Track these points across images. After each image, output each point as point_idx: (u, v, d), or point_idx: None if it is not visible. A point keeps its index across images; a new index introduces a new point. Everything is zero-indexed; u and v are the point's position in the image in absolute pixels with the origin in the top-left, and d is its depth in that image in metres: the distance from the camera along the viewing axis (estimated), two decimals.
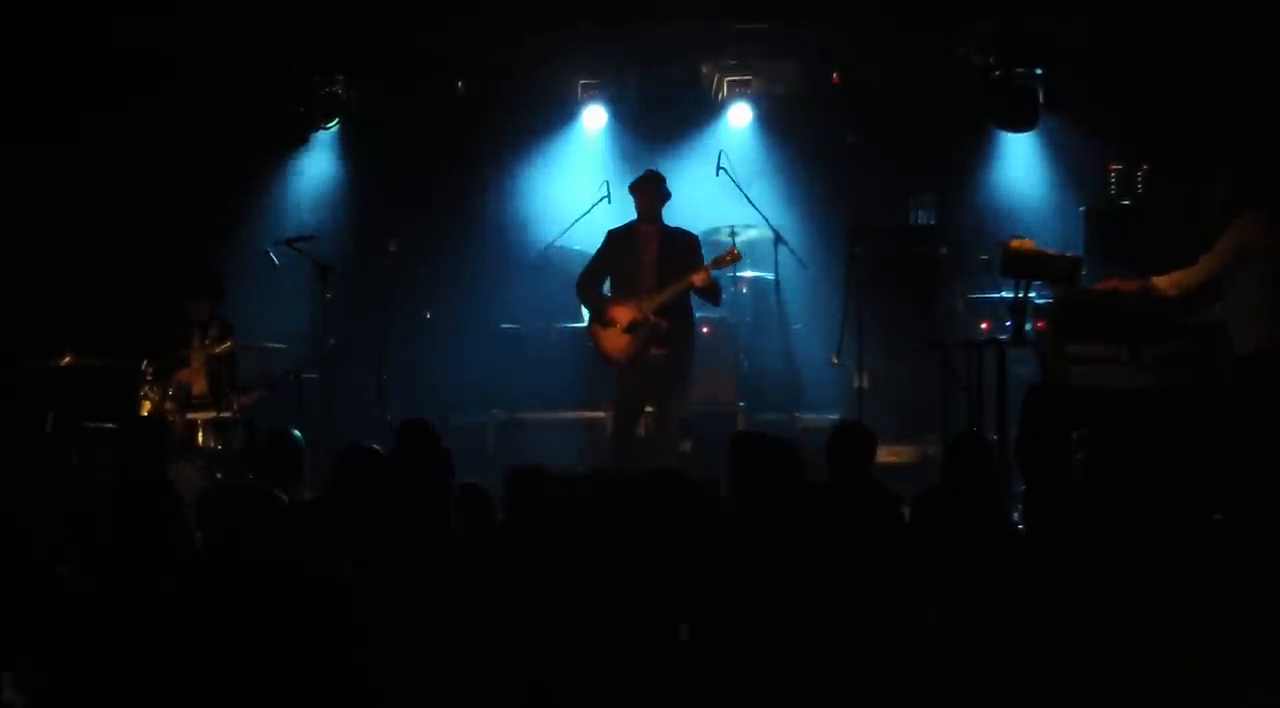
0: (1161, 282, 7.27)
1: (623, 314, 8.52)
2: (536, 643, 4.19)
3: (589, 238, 9.26)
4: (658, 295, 8.45)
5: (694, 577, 4.40)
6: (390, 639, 4.07)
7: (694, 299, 8.68)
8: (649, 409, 8.71)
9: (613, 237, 8.80)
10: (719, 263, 8.58)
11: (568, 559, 4.55)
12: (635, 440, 8.67)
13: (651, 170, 8.88)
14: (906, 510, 5.25)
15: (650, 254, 8.59)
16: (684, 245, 8.62)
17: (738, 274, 10.12)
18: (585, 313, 8.98)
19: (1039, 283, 8.04)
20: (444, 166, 10.67)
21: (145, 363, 8.40)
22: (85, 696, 3.90)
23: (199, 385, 8.60)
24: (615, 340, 8.55)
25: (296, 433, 6.36)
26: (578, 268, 8.98)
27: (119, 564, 4.34)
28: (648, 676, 4.10)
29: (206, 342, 8.62)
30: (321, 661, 3.92)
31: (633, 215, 8.82)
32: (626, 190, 8.83)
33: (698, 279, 8.40)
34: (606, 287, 8.75)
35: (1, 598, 4.12)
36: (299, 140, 10.65)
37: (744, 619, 4.27)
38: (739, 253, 8.75)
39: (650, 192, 8.66)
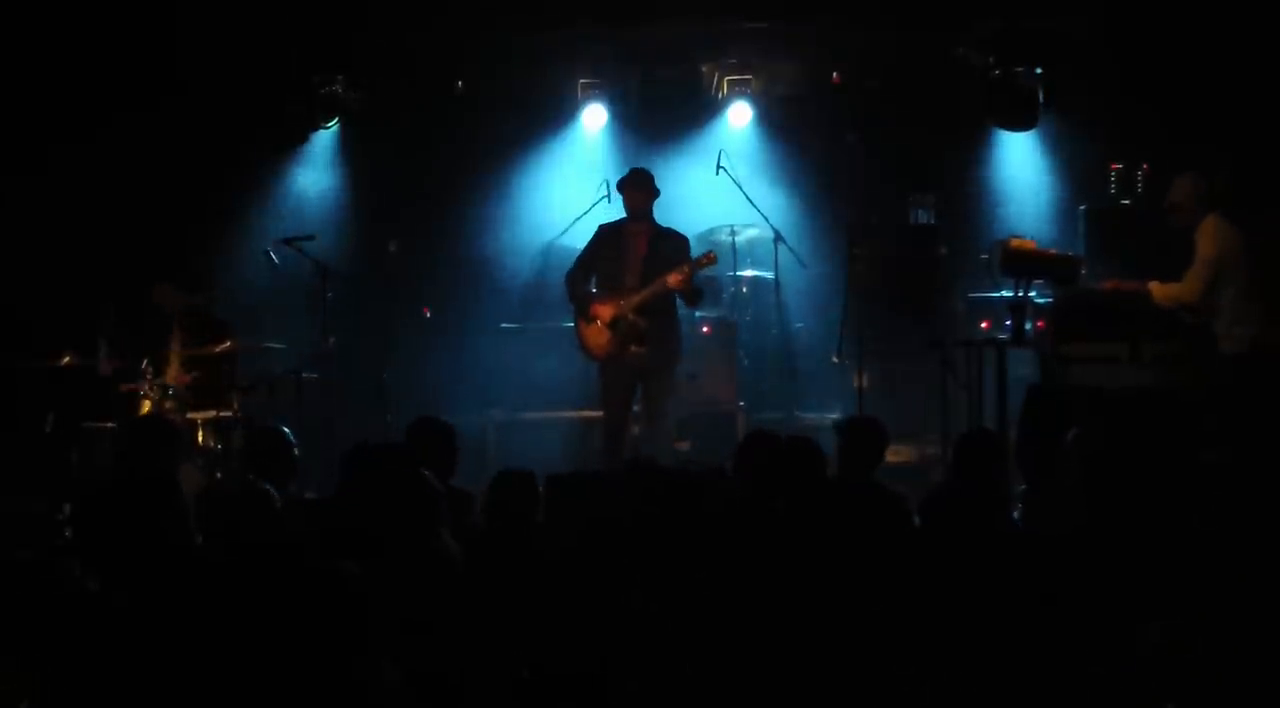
0: (1157, 291, 7.34)
1: (604, 311, 8.55)
2: (542, 642, 4.19)
3: (589, 235, 9.25)
4: (637, 294, 8.47)
5: (699, 575, 4.39)
6: (393, 640, 4.07)
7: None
8: (637, 407, 8.72)
9: (602, 231, 8.83)
10: (696, 265, 8.57)
11: (587, 558, 4.56)
12: (626, 438, 8.68)
13: (637, 168, 8.88)
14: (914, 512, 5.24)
15: (637, 251, 8.60)
16: (672, 245, 8.62)
17: (738, 274, 10.12)
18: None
19: (1039, 283, 8.05)
20: (444, 167, 10.67)
21: (145, 363, 8.39)
22: (86, 696, 3.90)
23: (180, 382, 8.53)
24: (596, 337, 8.58)
25: (285, 430, 6.37)
26: None
27: (120, 564, 4.34)
28: (652, 674, 4.10)
29: (190, 342, 8.59)
30: (322, 661, 3.91)
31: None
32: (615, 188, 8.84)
33: (672, 281, 8.40)
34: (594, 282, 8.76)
35: (2, 598, 4.12)
36: (299, 140, 10.65)
37: (748, 619, 4.27)
38: (715, 256, 8.73)
39: (635, 189, 8.66)
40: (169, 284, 8.75)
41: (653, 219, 8.68)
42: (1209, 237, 7.24)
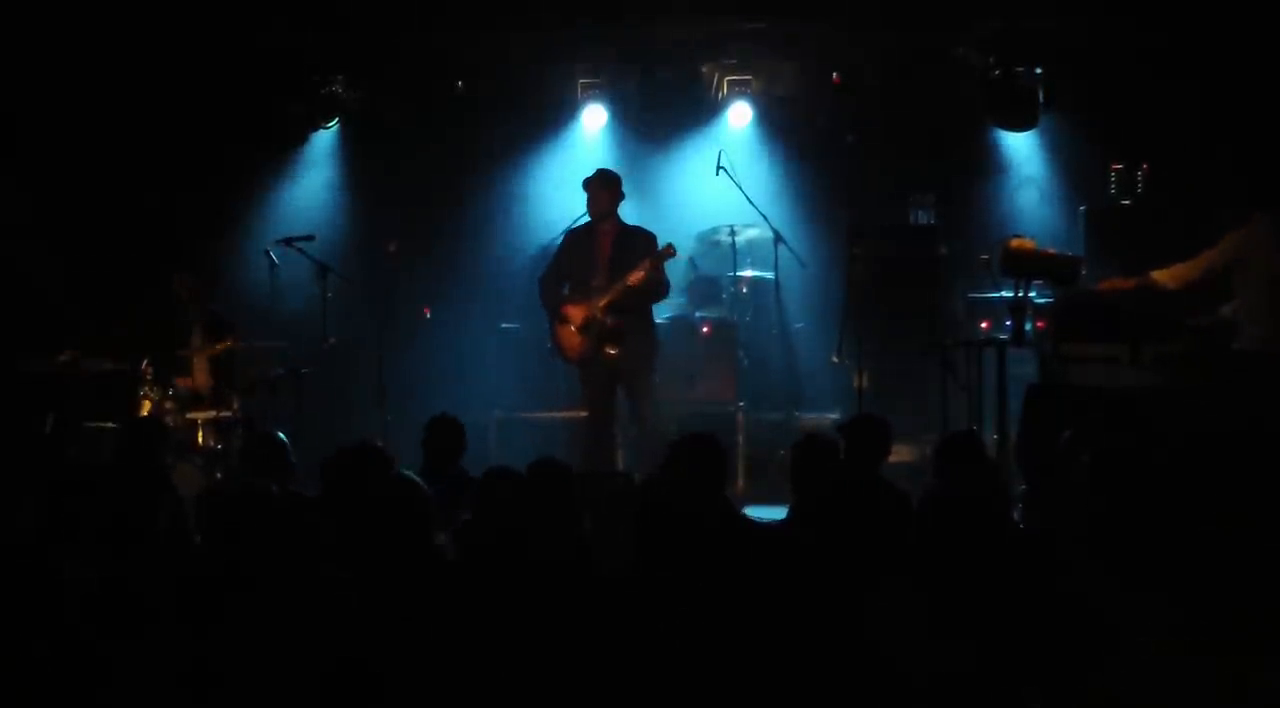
0: (1161, 275, 7.35)
1: (575, 313, 8.57)
2: (535, 645, 4.19)
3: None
4: (606, 294, 8.48)
5: (697, 581, 4.39)
6: (389, 639, 4.08)
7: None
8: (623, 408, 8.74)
9: (570, 235, 8.86)
10: (656, 259, 8.57)
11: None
12: (609, 439, 8.69)
13: (602, 169, 8.91)
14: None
15: (603, 252, 8.63)
16: (638, 243, 8.63)
17: (738, 274, 10.12)
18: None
19: (1039, 283, 8.04)
20: (444, 167, 10.68)
21: (145, 363, 8.40)
22: (85, 693, 3.90)
23: (200, 383, 8.59)
24: (570, 339, 8.62)
25: (281, 435, 6.40)
26: None
27: (119, 562, 4.34)
28: (651, 681, 4.09)
29: (209, 341, 8.62)
30: (320, 661, 3.92)
31: (629, 215, 8.85)
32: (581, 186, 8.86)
33: (633, 279, 8.44)
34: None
35: (2, 596, 4.13)
36: (299, 140, 10.66)
37: (749, 623, 4.26)
38: (674, 249, 8.72)
39: (598, 190, 8.67)
40: (190, 274, 8.76)
41: (618, 219, 8.70)
42: (1241, 229, 7.24)
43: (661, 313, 9.14)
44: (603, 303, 8.49)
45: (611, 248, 8.61)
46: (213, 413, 8.42)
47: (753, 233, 10.13)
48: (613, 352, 8.49)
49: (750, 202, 9.59)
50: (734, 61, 10.69)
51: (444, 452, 6.48)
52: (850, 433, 6.02)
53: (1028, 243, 7.85)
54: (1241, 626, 4.18)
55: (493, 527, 4.91)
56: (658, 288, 8.62)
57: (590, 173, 8.86)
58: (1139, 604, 4.29)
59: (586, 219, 8.82)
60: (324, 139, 10.76)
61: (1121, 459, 5.09)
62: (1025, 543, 4.90)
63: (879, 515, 4.51)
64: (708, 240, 10.05)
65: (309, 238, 9.17)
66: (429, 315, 10.48)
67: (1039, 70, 10.03)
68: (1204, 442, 6.39)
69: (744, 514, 5.67)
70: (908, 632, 4.13)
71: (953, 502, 4.53)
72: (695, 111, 10.77)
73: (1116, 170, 9.72)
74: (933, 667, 4.05)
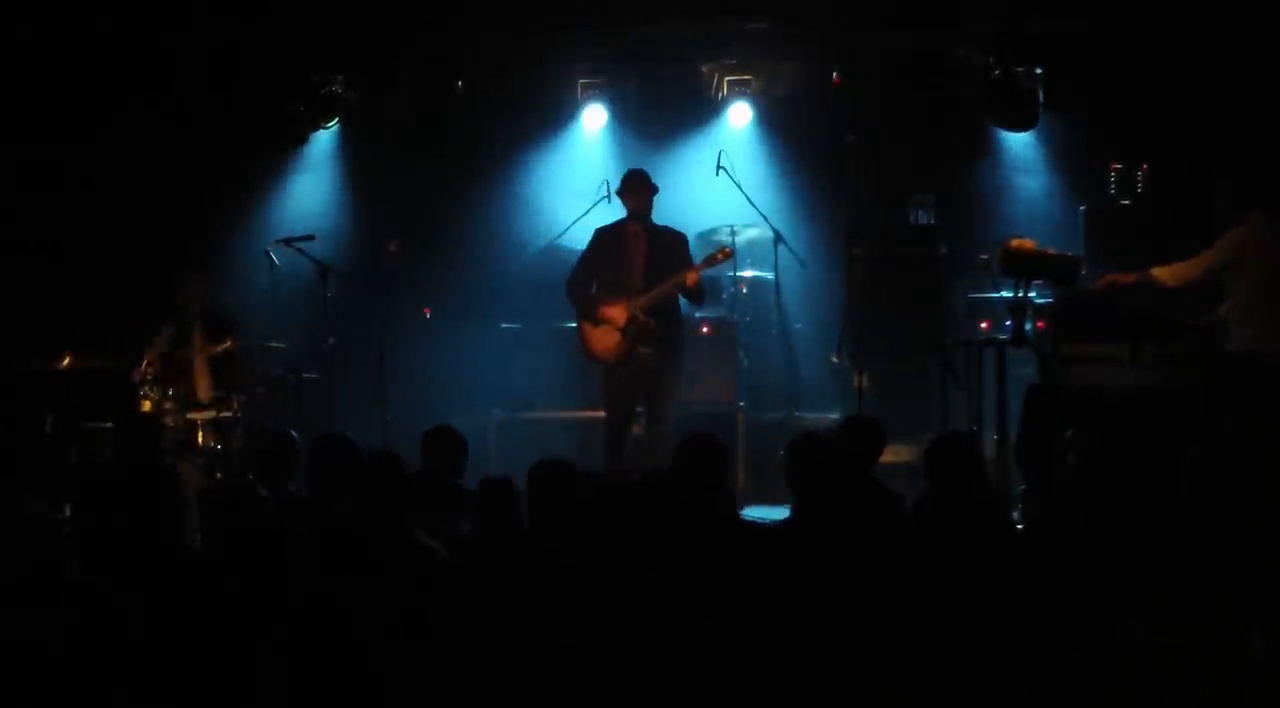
0: (1161, 273, 7.35)
1: (614, 314, 8.53)
2: (539, 645, 4.19)
3: (588, 237, 9.28)
4: (647, 294, 8.47)
5: (695, 581, 4.39)
6: (387, 640, 4.08)
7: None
8: (640, 408, 8.71)
9: (601, 235, 8.82)
10: (710, 262, 8.60)
11: (583, 559, 4.55)
12: (628, 440, 8.68)
13: (636, 169, 8.89)
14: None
15: (639, 252, 8.61)
16: (672, 244, 8.64)
17: (738, 274, 10.12)
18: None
19: (1039, 283, 8.05)
20: (444, 167, 10.68)
21: (145, 363, 8.41)
22: (84, 692, 3.90)
23: (202, 385, 8.61)
24: (605, 340, 8.57)
25: (293, 433, 6.39)
26: None
27: (118, 557, 4.34)
28: (651, 679, 4.09)
29: (209, 341, 8.64)
30: (319, 662, 3.92)
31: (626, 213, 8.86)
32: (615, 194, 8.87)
33: (690, 279, 8.43)
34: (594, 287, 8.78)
35: (3, 595, 4.13)
36: (299, 140, 10.66)
37: (746, 622, 4.26)
38: (731, 250, 8.76)
39: (640, 191, 8.68)
40: (201, 276, 8.80)
41: (650, 219, 8.70)
42: (1239, 229, 7.25)
43: None
44: (644, 302, 8.48)
45: (648, 247, 8.60)
46: (213, 413, 8.43)
47: (753, 233, 10.13)
48: (647, 351, 8.49)
49: (750, 202, 9.59)
50: (734, 61, 10.70)
51: (443, 463, 6.37)
52: (842, 434, 6.01)
53: (1028, 243, 7.84)
54: (1236, 625, 4.18)
55: (493, 532, 4.93)
56: (703, 290, 8.68)
57: (617, 178, 8.88)
58: (1129, 602, 4.29)
59: (616, 219, 8.81)
60: (324, 139, 10.77)
61: (1106, 458, 5.09)
62: (1019, 544, 4.90)
63: (868, 516, 4.52)
64: (708, 240, 10.05)
65: (309, 238, 9.17)
66: (429, 315, 10.48)
67: (1039, 70, 10.03)
68: (1198, 441, 6.40)
69: (741, 515, 5.66)
70: (900, 631, 4.13)
71: (944, 504, 4.54)
72: (695, 111, 10.78)
73: (1116, 170, 9.72)
74: (925, 666, 4.06)
